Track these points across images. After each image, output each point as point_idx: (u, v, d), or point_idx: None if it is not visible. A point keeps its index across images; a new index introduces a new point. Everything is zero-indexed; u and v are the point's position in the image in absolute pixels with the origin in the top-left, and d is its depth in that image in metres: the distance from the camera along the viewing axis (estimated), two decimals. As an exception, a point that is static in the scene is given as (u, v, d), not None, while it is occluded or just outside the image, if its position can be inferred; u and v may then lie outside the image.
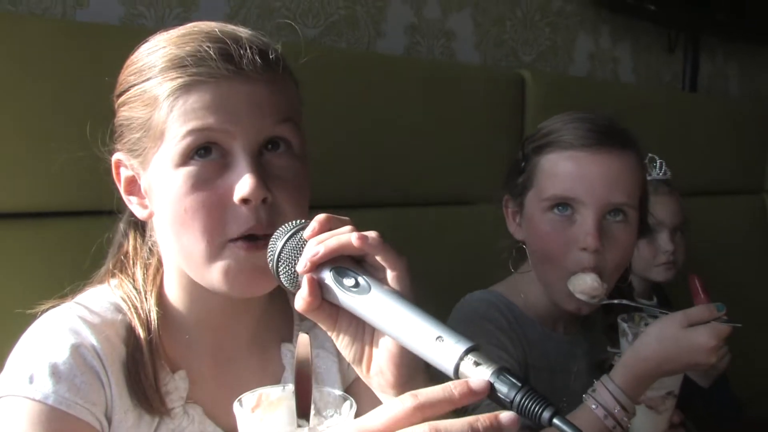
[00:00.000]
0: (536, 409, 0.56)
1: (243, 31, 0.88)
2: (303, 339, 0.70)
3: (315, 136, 1.46)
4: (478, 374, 0.59)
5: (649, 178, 1.77)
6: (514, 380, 0.58)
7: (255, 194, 0.82)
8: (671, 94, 2.56)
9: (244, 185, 0.82)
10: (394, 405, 0.58)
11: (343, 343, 0.75)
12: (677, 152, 2.12)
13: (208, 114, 0.82)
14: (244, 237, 0.83)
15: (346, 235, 0.70)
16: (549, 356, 1.30)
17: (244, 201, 0.82)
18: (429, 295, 0.71)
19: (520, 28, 2.11)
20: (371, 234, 0.71)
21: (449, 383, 0.59)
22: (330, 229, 0.72)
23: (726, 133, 2.49)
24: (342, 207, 0.95)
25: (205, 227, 0.82)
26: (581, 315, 1.33)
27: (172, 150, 0.83)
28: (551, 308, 1.31)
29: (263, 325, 0.98)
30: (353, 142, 1.53)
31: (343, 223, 0.73)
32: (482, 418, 0.56)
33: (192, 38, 0.85)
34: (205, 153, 0.83)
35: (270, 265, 0.76)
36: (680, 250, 1.82)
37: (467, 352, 0.61)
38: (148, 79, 0.85)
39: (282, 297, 1.03)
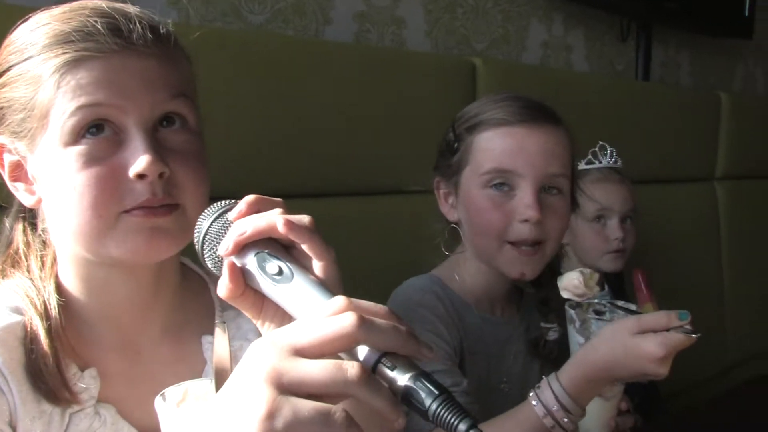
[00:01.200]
0: (453, 420, 0.53)
1: (132, 8, 0.84)
2: (218, 331, 0.67)
3: (261, 125, 1.44)
4: (395, 378, 0.56)
5: (599, 165, 1.80)
6: (432, 387, 0.55)
7: (151, 169, 0.78)
8: (624, 83, 2.58)
9: (140, 160, 0.78)
10: (331, 322, 0.56)
11: (268, 332, 0.72)
12: (629, 140, 2.13)
13: (97, 89, 0.78)
14: (140, 207, 0.80)
15: (273, 219, 0.67)
16: (486, 341, 1.30)
17: (140, 176, 0.79)
18: (378, 282, 0.68)
19: (471, 15, 2.09)
20: (301, 219, 0.68)
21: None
22: (258, 212, 0.69)
23: (678, 122, 2.52)
24: (290, 196, 0.91)
25: (96, 202, 0.78)
26: (521, 287, 1.37)
27: (60, 129, 0.79)
28: (487, 289, 1.32)
29: (179, 317, 0.94)
30: (301, 131, 1.51)
31: (274, 205, 0.70)
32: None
33: (78, 14, 0.81)
34: (97, 130, 0.79)
35: (196, 246, 0.72)
36: (630, 237, 1.83)
37: (385, 353, 0.57)
38: (29, 58, 0.81)
39: (202, 287, 0.99)
